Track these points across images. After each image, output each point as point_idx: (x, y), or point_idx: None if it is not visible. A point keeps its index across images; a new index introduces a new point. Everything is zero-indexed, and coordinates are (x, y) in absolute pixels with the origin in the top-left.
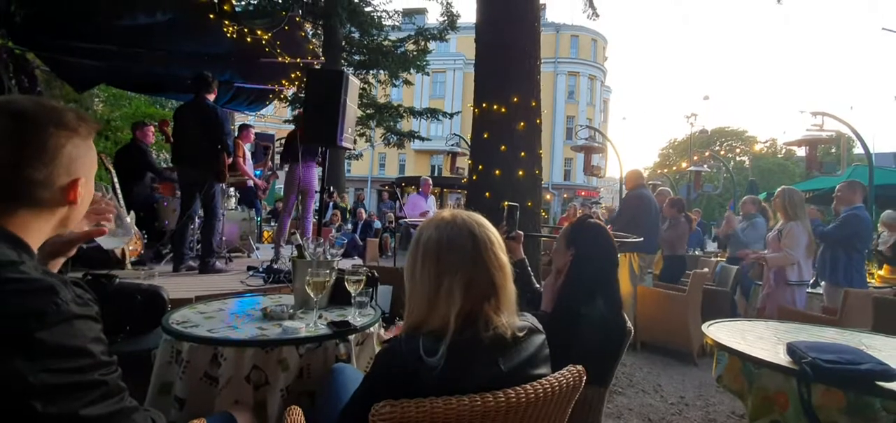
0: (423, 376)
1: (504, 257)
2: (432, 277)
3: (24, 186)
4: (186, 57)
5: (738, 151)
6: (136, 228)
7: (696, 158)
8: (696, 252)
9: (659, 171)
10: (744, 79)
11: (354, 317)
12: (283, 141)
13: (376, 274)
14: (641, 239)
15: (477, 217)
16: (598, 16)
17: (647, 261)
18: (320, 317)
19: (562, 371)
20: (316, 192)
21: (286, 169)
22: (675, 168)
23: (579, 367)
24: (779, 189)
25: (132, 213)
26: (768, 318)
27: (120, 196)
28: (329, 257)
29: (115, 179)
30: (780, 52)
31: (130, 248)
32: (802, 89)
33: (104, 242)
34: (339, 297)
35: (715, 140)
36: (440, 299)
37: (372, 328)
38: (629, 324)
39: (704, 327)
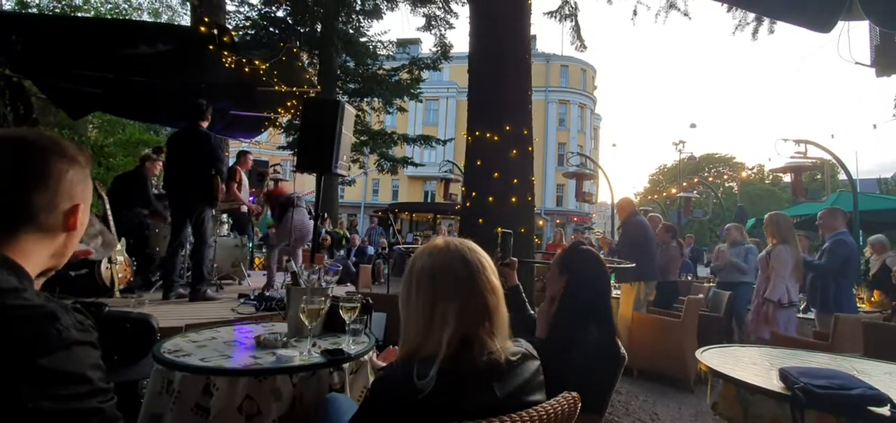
0: (418, 401)
1: (496, 281)
2: (426, 304)
3: (28, 209)
4: (185, 85)
5: (726, 177)
6: (125, 255)
7: (685, 184)
8: (689, 278)
9: (650, 197)
10: (729, 107)
11: (349, 345)
12: (277, 167)
13: (371, 301)
14: (633, 264)
15: (469, 243)
16: (585, 47)
17: (651, 288)
18: (314, 345)
19: (557, 398)
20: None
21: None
22: (665, 194)
23: (574, 394)
24: (768, 215)
25: (122, 240)
26: (757, 336)
27: (111, 223)
28: (324, 284)
29: (108, 206)
30: (763, 81)
31: (120, 275)
32: (786, 117)
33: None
34: (333, 324)
35: (703, 166)
36: (435, 325)
37: (366, 357)
38: (623, 350)
39: (698, 354)
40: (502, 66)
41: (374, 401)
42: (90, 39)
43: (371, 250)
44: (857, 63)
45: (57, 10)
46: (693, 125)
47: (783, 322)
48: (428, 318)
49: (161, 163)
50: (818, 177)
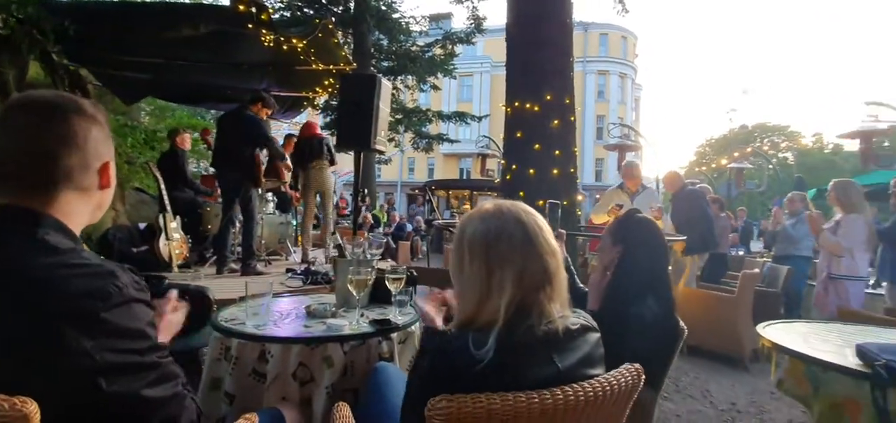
0: (477, 372)
1: (554, 243)
2: (482, 272)
3: (64, 171)
4: (226, 67)
5: (783, 146)
6: (181, 232)
7: (736, 154)
8: (740, 252)
9: (696, 169)
10: (786, 71)
11: (396, 316)
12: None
13: (415, 273)
14: (685, 237)
15: (522, 205)
16: (627, 11)
17: (703, 260)
18: (362, 316)
19: (620, 370)
20: (334, 193)
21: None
22: (713, 166)
23: (637, 366)
24: (832, 182)
25: (177, 218)
26: (822, 313)
27: (167, 202)
28: (368, 256)
29: (162, 186)
30: (826, 42)
31: (177, 252)
32: (853, 81)
33: None
34: (378, 296)
35: (756, 136)
36: (491, 293)
37: (413, 327)
38: (682, 324)
39: (760, 329)
40: (542, 31)
41: (431, 372)
42: (137, 24)
43: (408, 226)
44: None
45: None
46: (745, 91)
47: (852, 297)
48: (484, 286)
49: (188, 135)
50: (885, 143)
